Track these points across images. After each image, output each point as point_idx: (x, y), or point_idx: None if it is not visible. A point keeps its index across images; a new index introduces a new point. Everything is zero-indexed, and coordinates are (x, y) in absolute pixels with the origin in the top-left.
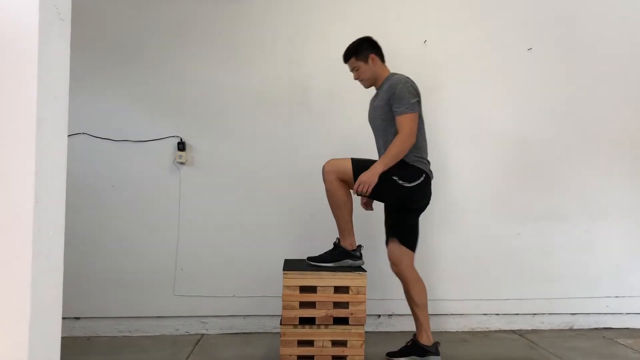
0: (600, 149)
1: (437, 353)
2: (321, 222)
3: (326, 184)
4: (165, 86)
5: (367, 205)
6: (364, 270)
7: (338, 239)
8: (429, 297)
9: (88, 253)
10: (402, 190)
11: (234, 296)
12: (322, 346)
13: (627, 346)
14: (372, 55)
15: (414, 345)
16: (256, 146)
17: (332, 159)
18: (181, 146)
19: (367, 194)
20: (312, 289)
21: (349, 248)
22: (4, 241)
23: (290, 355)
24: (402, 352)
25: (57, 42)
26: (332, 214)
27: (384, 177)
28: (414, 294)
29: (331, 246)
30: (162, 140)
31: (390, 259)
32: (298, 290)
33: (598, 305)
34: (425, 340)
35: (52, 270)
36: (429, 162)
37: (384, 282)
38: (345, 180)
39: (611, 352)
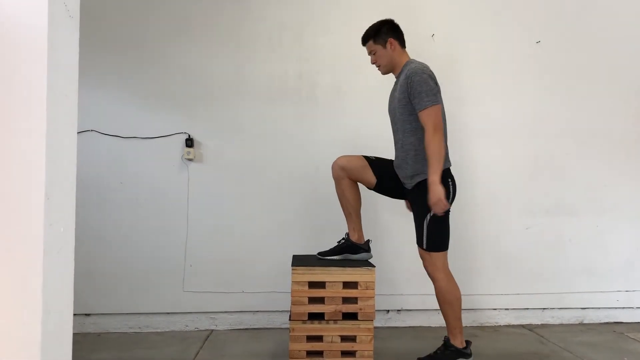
0: (611, 143)
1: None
2: (330, 218)
3: (335, 181)
4: (173, 83)
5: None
6: (373, 266)
7: (347, 234)
8: None
9: (98, 250)
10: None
11: (243, 292)
12: (331, 341)
13: (637, 340)
14: (391, 40)
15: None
16: (264, 142)
17: (341, 157)
18: (189, 142)
19: (449, 207)
20: (321, 285)
21: (358, 242)
22: (16, 238)
23: (299, 351)
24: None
25: (66, 40)
26: (339, 210)
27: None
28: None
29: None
30: (170, 136)
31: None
32: (307, 286)
33: (608, 300)
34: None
35: (63, 267)
36: (449, 159)
37: (392, 277)
38: (355, 177)
39: (622, 347)
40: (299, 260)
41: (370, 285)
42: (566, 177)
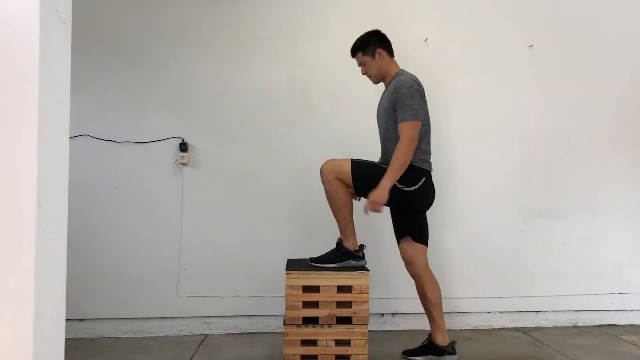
0: (603, 146)
1: (453, 352)
2: (324, 222)
3: (325, 185)
4: (166, 87)
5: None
6: (367, 270)
7: (340, 239)
8: None
9: (91, 255)
10: (403, 195)
11: (237, 296)
12: (326, 346)
13: (631, 343)
14: (379, 50)
15: (430, 345)
16: (258, 146)
17: (330, 159)
18: (183, 147)
19: (381, 212)
20: (315, 289)
21: (352, 248)
22: (8, 244)
23: (293, 355)
24: (419, 351)
25: (58, 45)
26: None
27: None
28: (429, 293)
29: (333, 246)
30: (163, 141)
31: (403, 258)
32: (301, 290)
33: (602, 302)
34: (441, 340)
35: (56, 273)
36: (430, 164)
37: (387, 280)
38: (344, 180)
39: (615, 349)
40: (294, 265)
41: (364, 290)
42: (559, 180)
